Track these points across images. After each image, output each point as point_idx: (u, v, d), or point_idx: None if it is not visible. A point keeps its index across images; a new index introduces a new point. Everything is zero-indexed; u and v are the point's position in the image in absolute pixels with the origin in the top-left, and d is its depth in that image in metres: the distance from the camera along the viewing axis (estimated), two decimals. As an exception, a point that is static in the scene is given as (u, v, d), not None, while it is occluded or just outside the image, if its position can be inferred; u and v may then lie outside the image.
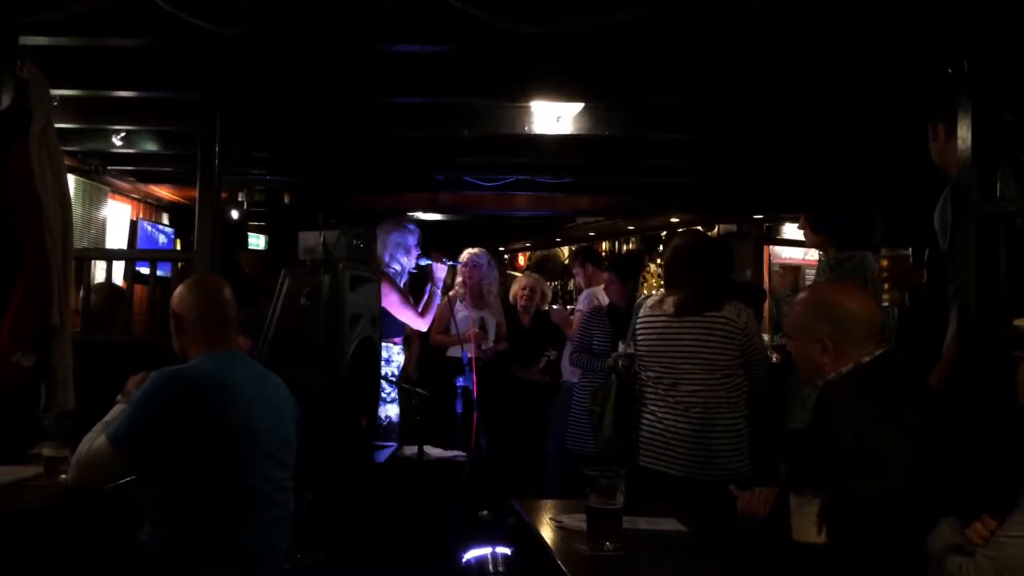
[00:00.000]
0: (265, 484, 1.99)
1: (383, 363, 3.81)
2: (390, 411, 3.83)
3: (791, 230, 6.78)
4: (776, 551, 1.66)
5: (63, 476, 2.07)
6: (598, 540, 1.63)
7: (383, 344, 3.80)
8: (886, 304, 2.50)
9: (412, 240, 3.90)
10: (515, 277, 6.22)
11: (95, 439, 1.96)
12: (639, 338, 2.70)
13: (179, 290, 2.15)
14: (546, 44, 3.01)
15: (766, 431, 2.80)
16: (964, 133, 2.28)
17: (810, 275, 5.56)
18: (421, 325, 3.97)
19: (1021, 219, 2.15)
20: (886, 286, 2.49)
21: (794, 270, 3.67)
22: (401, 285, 3.90)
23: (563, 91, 3.68)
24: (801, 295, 2.02)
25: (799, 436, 2.55)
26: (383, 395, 3.76)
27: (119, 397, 2.14)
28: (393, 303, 3.72)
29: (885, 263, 2.51)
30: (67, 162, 3.67)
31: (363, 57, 3.39)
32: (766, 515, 1.83)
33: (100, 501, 2.04)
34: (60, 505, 2.01)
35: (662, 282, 7.13)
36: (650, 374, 2.65)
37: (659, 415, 2.59)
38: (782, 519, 1.65)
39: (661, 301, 2.69)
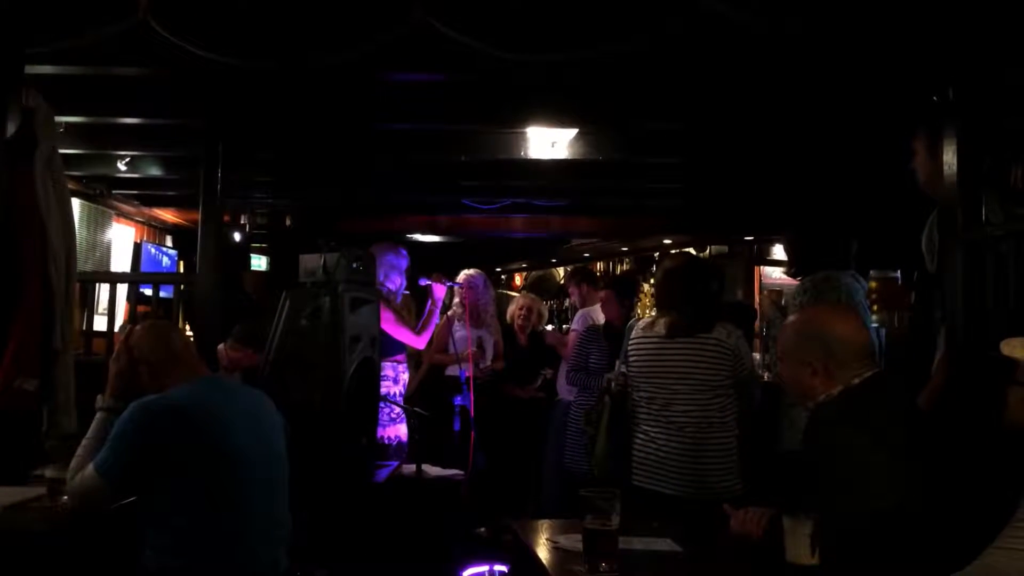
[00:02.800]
0: (258, 501, 2.01)
1: (391, 382, 3.85)
2: (400, 431, 3.85)
3: (781, 251, 6.85)
4: (770, 572, 1.67)
5: (65, 498, 2.09)
6: (594, 561, 1.64)
7: (391, 363, 3.84)
8: (875, 325, 2.53)
9: (404, 263, 3.96)
10: (511, 297, 6.25)
11: (84, 466, 2.00)
12: (631, 359, 2.74)
13: (139, 338, 2.14)
14: (542, 73, 3.07)
15: (759, 450, 2.82)
16: (950, 159, 2.32)
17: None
18: (418, 343, 4.00)
19: (1006, 243, 2.19)
20: (875, 308, 2.53)
21: (778, 293, 3.73)
22: (398, 302, 3.94)
23: (558, 118, 3.75)
24: (791, 319, 2.03)
25: (791, 457, 2.57)
26: (392, 415, 3.79)
27: (98, 400, 2.16)
28: (388, 320, 3.75)
29: (874, 285, 2.55)
30: (72, 186, 3.72)
31: (363, 85, 3.45)
32: (759, 535, 1.85)
33: (102, 524, 2.06)
34: (62, 527, 2.03)
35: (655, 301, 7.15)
36: (642, 394, 2.68)
37: (652, 435, 2.62)
38: (775, 540, 1.65)
39: (653, 323, 2.73)
